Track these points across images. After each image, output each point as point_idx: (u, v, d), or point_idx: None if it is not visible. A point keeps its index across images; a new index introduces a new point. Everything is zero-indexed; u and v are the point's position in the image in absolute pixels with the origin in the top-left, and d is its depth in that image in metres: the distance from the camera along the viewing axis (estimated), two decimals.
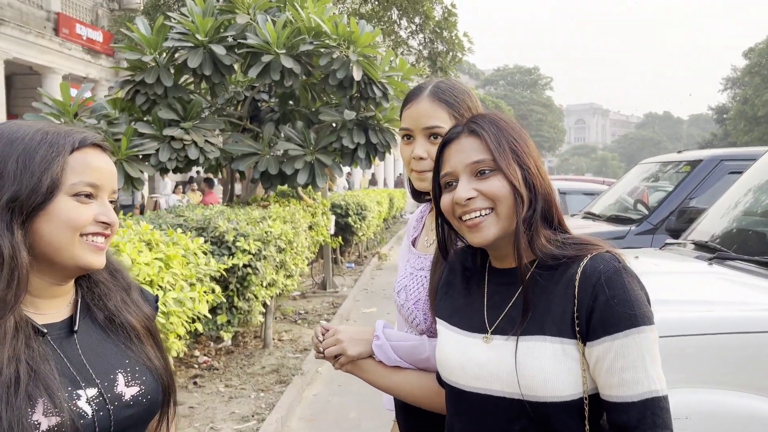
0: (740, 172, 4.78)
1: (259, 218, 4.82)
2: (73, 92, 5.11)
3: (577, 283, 1.09)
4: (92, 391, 1.05)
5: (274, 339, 5.81)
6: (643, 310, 1.06)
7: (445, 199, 1.21)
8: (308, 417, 4.34)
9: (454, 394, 1.21)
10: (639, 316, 1.05)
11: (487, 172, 1.16)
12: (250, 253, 4.34)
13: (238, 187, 7.75)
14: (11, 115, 15.76)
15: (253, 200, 6.41)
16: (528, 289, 1.13)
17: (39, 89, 5.70)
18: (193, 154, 5.10)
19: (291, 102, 6.09)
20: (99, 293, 1.16)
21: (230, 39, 5.22)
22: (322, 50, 5.21)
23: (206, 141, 5.22)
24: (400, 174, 39.10)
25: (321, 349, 1.48)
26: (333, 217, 8.03)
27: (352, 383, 4.97)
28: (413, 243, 1.72)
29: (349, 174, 23.98)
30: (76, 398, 1.02)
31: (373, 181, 30.00)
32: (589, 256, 1.11)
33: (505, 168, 1.15)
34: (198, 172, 14.88)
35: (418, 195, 1.76)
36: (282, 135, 5.62)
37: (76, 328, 1.10)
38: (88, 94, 5.08)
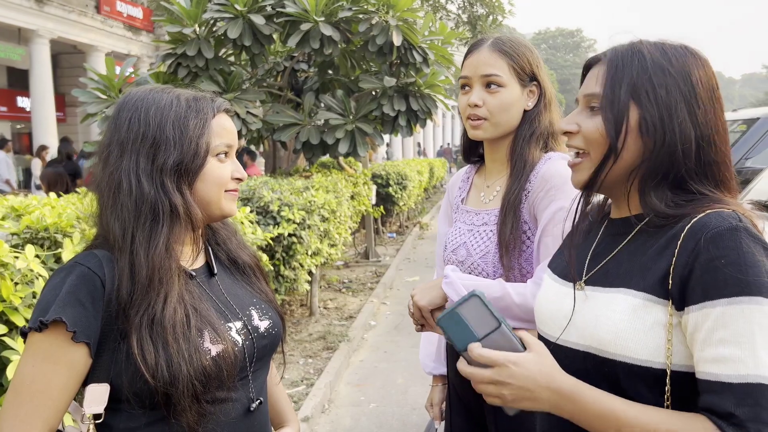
0: None
1: (303, 188, 4.83)
2: (117, 69, 5.19)
3: (681, 239, 0.94)
4: (238, 324, 1.20)
5: (319, 307, 5.89)
6: (761, 279, 0.87)
7: (565, 118, 1.11)
8: (356, 382, 4.40)
9: (546, 345, 1.10)
10: (754, 284, 0.87)
11: (595, 108, 1.03)
12: (294, 222, 4.37)
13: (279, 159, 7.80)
14: (59, 94, 16.18)
15: (295, 171, 6.44)
16: (631, 240, 1.04)
17: (85, 65, 5.81)
18: (236, 125, 5.13)
19: (330, 71, 6.05)
20: (220, 239, 1.32)
21: (269, 8, 5.18)
22: (360, 16, 5.13)
23: (248, 112, 5.23)
24: (448, 144, 38.75)
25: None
26: (374, 187, 8.02)
27: (399, 350, 5.02)
28: (462, 202, 1.74)
29: (388, 145, 23.84)
30: (229, 330, 1.16)
31: (423, 152, 29.67)
32: (706, 212, 0.95)
33: (605, 108, 1.01)
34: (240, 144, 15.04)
35: (470, 151, 1.77)
36: (322, 104, 5.59)
37: (215, 271, 1.25)
38: (131, 69, 5.14)
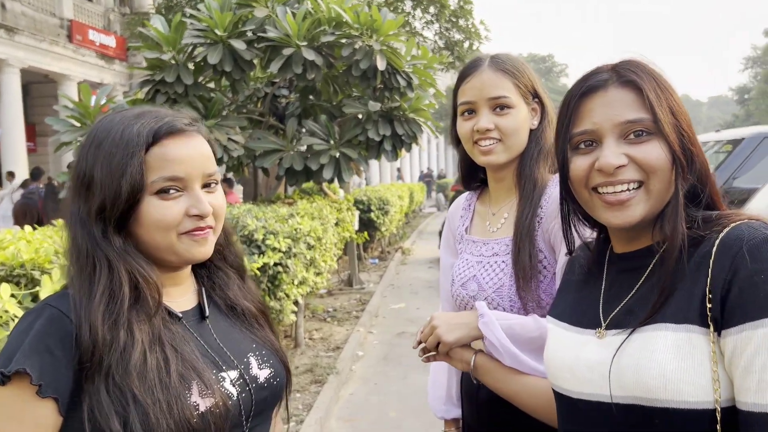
0: None
1: (287, 215, 4.70)
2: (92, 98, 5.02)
3: (713, 256, 0.85)
4: (234, 374, 1.04)
5: (305, 338, 5.71)
6: None
7: (579, 164, 0.97)
8: (347, 417, 4.22)
9: (564, 403, 1.01)
10: None
11: (643, 134, 0.92)
12: (280, 251, 4.22)
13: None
14: (29, 124, 15.84)
15: (276, 198, 6.30)
16: (656, 272, 0.92)
17: (59, 93, 5.65)
18: (216, 152, 4.98)
19: (312, 96, 5.96)
20: (219, 282, 1.16)
21: (249, 33, 5.10)
22: (343, 41, 5.07)
23: (229, 139, 5.10)
24: (428, 168, 38.90)
25: (420, 344, 1.38)
26: (357, 213, 7.91)
27: (389, 382, 4.85)
28: (466, 231, 1.64)
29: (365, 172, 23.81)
30: (222, 380, 1.01)
31: (400, 177, 29.67)
32: (732, 225, 0.88)
33: (668, 132, 0.91)
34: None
35: (469, 177, 1.66)
36: (305, 130, 5.49)
37: (207, 314, 1.10)
38: (108, 95, 4.99)
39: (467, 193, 1.72)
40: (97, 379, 0.91)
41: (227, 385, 1.01)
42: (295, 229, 4.53)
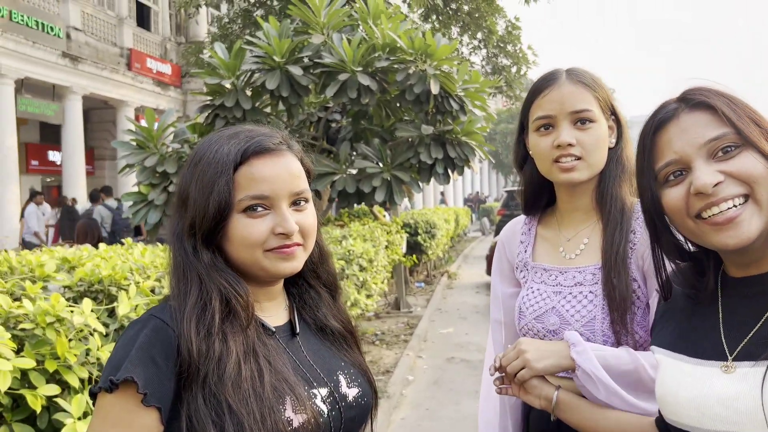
0: None
1: (341, 237, 4.74)
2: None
3: None
4: (324, 391, 1.05)
5: None
6: None
7: (674, 194, 0.94)
8: None
9: None
10: None
11: (732, 149, 0.90)
12: None
13: None
14: (89, 148, 16.53)
15: (327, 221, 6.37)
16: None
17: (125, 116, 5.88)
18: (311, 171, 5.08)
19: (364, 121, 6.05)
20: (309, 302, 1.17)
21: (306, 59, 5.22)
22: (397, 66, 5.13)
23: None
24: (477, 192, 38.67)
25: (496, 372, 1.27)
26: (405, 236, 7.91)
27: (442, 407, 4.79)
28: (531, 258, 1.51)
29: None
30: (313, 397, 1.02)
31: (444, 201, 29.53)
32: None
33: (756, 140, 0.89)
34: None
35: (535, 200, 1.53)
36: (357, 153, 5.56)
37: (297, 330, 1.11)
38: (172, 119, 5.17)
39: (522, 216, 1.60)
40: (195, 387, 0.94)
41: (318, 402, 1.02)
42: (348, 251, 4.56)
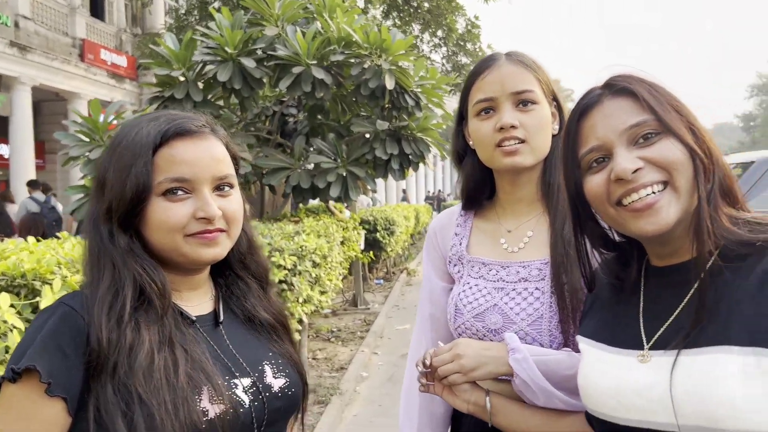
0: None
1: (293, 233, 4.67)
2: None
3: None
4: (246, 381, 1.02)
5: (308, 358, 5.63)
6: None
7: (595, 182, 0.93)
8: None
9: (605, 430, 0.93)
10: None
11: (652, 135, 0.89)
12: (285, 268, 4.18)
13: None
14: (39, 141, 15.96)
15: (282, 216, 6.28)
16: (705, 285, 0.86)
17: (70, 107, 5.68)
18: (237, 158, 4.98)
19: (320, 116, 5.97)
20: (237, 292, 1.13)
21: (259, 52, 5.12)
22: (352, 60, 5.08)
23: None
24: (439, 190, 38.79)
25: (424, 371, 1.19)
26: (363, 232, 7.87)
27: (395, 404, 4.76)
28: (467, 251, 1.42)
29: (374, 192, 23.65)
30: (233, 387, 0.99)
31: (406, 199, 29.41)
32: None
33: (676, 127, 0.88)
34: None
35: (477, 192, 1.44)
36: (313, 148, 5.48)
37: (221, 319, 1.08)
38: (121, 111, 5.01)
39: (456, 209, 1.50)
40: (104, 377, 0.90)
41: (239, 392, 0.99)
42: (301, 247, 4.49)
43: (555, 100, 1.37)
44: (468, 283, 1.36)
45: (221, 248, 1.03)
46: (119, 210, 0.97)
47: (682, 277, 0.91)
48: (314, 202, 6.49)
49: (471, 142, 1.39)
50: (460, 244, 1.43)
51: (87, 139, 4.78)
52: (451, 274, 1.44)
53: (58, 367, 0.88)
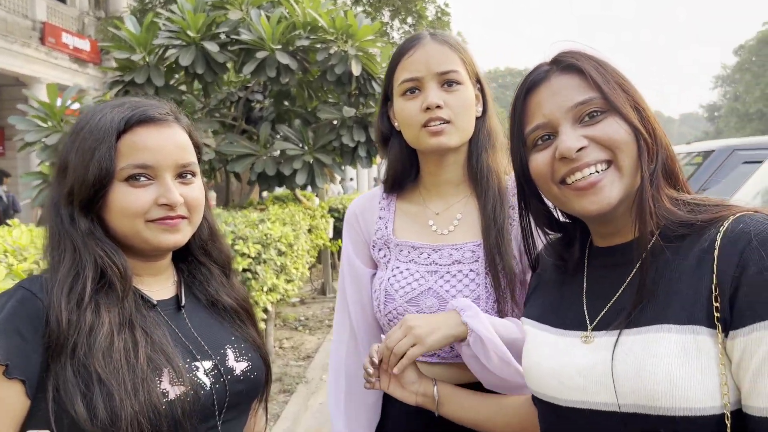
0: (755, 162, 4.63)
1: (258, 220, 4.61)
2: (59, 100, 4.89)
3: (716, 251, 0.80)
4: (208, 364, 1.03)
5: (275, 347, 5.60)
6: None
7: (539, 160, 0.93)
8: (315, 428, 4.12)
9: (549, 412, 0.93)
10: None
11: (597, 114, 0.88)
12: (249, 257, 4.13)
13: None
14: None
15: (248, 204, 6.20)
16: (646, 265, 0.85)
17: (25, 92, 5.51)
18: (200, 146, 4.89)
19: (286, 102, 5.90)
20: (199, 278, 1.15)
21: (223, 36, 5.03)
22: (318, 45, 5.02)
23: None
24: None
25: (372, 366, 1.16)
26: (332, 220, 7.83)
27: None
28: (393, 234, 1.38)
29: (351, 179, 23.45)
30: (194, 369, 1.00)
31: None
32: (732, 217, 0.82)
33: (621, 106, 0.87)
34: None
35: (403, 175, 1.39)
36: (279, 135, 5.42)
37: (183, 303, 1.09)
38: (80, 95, 4.86)
39: (375, 191, 1.48)
40: (63, 358, 0.91)
41: (200, 374, 1.00)
42: (266, 235, 4.44)
43: (479, 82, 1.36)
44: (397, 268, 1.34)
45: (182, 235, 1.04)
46: (81, 194, 0.98)
47: (625, 257, 0.91)
48: (282, 190, 6.42)
49: (396, 123, 1.37)
50: (386, 228, 1.39)
51: (43, 125, 4.64)
52: (376, 259, 1.40)
53: (16, 349, 0.89)
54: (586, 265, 0.98)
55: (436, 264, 1.31)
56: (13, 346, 0.89)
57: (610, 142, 0.88)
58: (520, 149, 0.97)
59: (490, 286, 1.26)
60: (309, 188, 5.62)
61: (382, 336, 1.21)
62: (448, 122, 1.27)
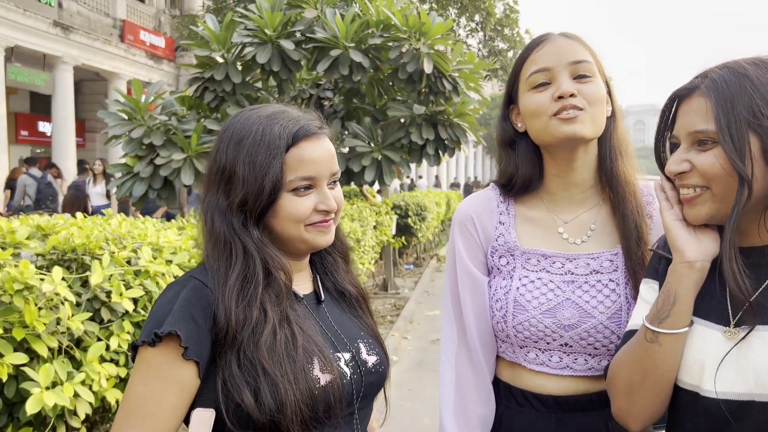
0: None
1: None
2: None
3: None
4: (347, 355, 1.12)
5: None
6: None
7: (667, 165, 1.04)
8: (380, 422, 4.18)
9: (688, 399, 0.99)
10: None
11: (708, 143, 0.96)
12: None
13: None
14: (79, 120, 16.33)
15: None
16: None
17: (113, 87, 5.79)
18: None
19: (356, 99, 5.97)
20: (329, 267, 1.25)
21: (298, 34, 5.13)
22: (391, 44, 5.05)
23: None
24: (475, 177, 38.39)
25: None
26: (395, 217, 7.88)
27: (424, 388, 4.80)
28: (517, 242, 1.32)
29: (419, 177, 23.30)
30: (338, 359, 1.09)
31: (438, 185, 29.18)
32: None
33: (726, 143, 0.93)
34: None
35: (528, 187, 1.33)
36: (348, 132, 5.49)
37: (322, 298, 1.19)
38: (159, 90, 5.08)
39: (489, 192, 1.39)
40: (230, 354, 1.00)
41: (342, 365, 1.09)
42: None
43: (606, 84, 1.30)
44: (527, 277, 1.28)
45: (332, 234, 1.16)
46: (256, 205, 1.07)
47: (759, 259, 0.98)
48: (347, 186, 6.51)
49: (519, 125, 1.32)
50: (509, 233, 1.33)
51: (128, 119, 4.87)
52: (493, 265, 1.34)
53: (193, 334, 0.99)
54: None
55: (573, 274, 1.26)
56: (190, 330, 0.98)
57: (706, 173, 0.98)
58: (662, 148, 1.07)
59: (630, 297, 1.22)
60: (376, 185, 5.67)
61: (500, 347, 1.25)
62: (581, 110, 1.21)
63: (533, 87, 1.26)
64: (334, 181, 1.16)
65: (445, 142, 5.38)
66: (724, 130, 0.93)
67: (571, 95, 1.20)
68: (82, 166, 11.05)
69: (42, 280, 1.65)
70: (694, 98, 0.99)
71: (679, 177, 1.00)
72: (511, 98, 1.35)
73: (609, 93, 1.31)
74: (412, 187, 20.83)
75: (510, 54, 13.60)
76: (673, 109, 1.05)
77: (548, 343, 1.24)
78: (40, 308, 1.65)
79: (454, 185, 32.29)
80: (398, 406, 4.47)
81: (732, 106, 0.92)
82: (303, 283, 1.19)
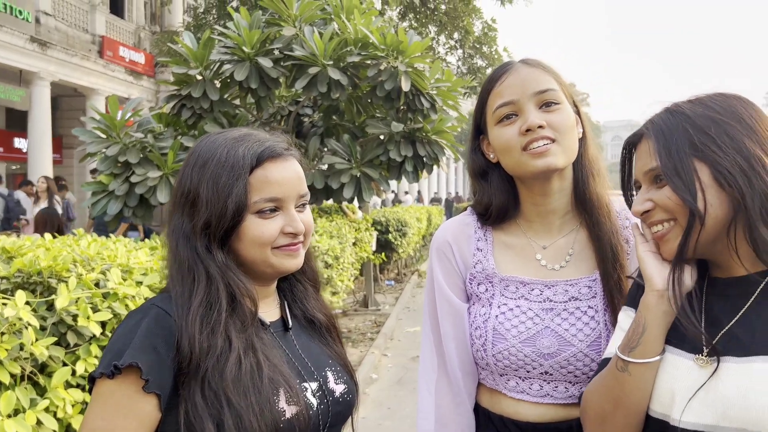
0: None
1: None
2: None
3: None
4: (314, 385, 1.09)
5: None
6: None
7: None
8: None
9: (657, 429, 0.99)
10: None
11: (662, 178, 1.01)
12: None
13: None
14: (56, 136, 16.13)
15: None
16: (757, 301, 0.94)
17: (89, 104, 5.73)
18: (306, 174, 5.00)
19: (335, 116, 5.98)
20: (298, 294, 1.21)
21: (276, 52, 5.13)
22: (369, 61, 5.08)
23: None
24: (457, 193, 38.55)
25: None
26: (375, 234, 7.87)
27: (403, 406, 4.76)
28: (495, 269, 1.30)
29: (407, 192, 23.28)
30: (304, 390, 1.06)
31: (420, 200, 29.21)
32: None
33: (670, 176, 0.98)
34: None
35: (504, 217, 1.32)
36: (327, 149, 5.49)
37: (290, 325, 1.16)
38: (138, 108, 5.04)
39: (466, 217, 1.37)
40: (193, 383, 0.97)
41: (309, 395, 1.06)
42: (313, 247, 4.50)
43: (574, 105, 1.29)
44: (505, 305, 1.26)
45: (300, 258, 1.12)
46: (220, 227, 1.04)
47: (738, 290, 0.98)
48: (327, 202, 6.50)
49: (491, 155, 1.31)
50: (486, 260, 1.31)
51: (104, 136, 4.82)
52: (472, 293, 1.32)
53: (154, 365, 0.95)
54: (705, 292, 1.03)
55: (551, 301, 1.24)
56: (151, 362, 0.95)
57: (666, 207, 1.01)
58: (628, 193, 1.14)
59: (610, 324, 1.21)
60: (355, 201, 5.66)
61: (480, 374, 1.23)
62: (552, 141, 1.19)
63: (500, 120, 1.24)
64: (303, 204, 1.12)
65: (424, 159, 5.40)
66: (667, 165, 0.98)
67: (540, 127, 1.19)
68: (26, 182, 10.82)
69: (4, 304, 1.61)
70: (643, 142, 1.05)
71: (645, 216, 1.03)
72: (480, 129, 1.33)
73: (578, 113, 1.30)
74: (395, 202, 20.86)
75: (488, 71, 13.76)
76: (630, 157, 1.11)
77: (528, 372, 1.23)
78: (2, 333, 1.61)
79: (435, 200, 32.40)
80: (378, 424, 4.43)
81: (672, 139, 0.99)
82: (270, 310, 1.15)
